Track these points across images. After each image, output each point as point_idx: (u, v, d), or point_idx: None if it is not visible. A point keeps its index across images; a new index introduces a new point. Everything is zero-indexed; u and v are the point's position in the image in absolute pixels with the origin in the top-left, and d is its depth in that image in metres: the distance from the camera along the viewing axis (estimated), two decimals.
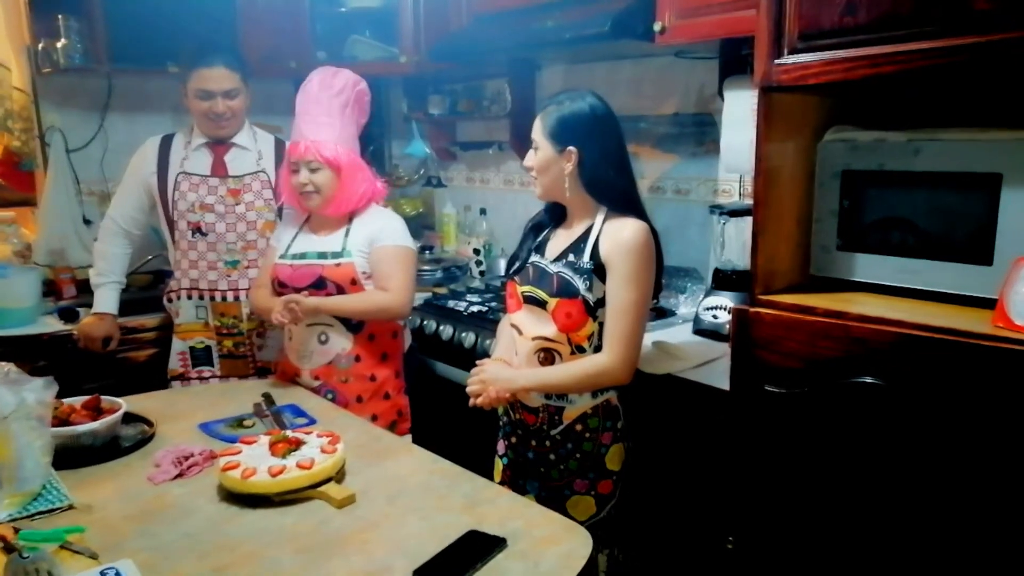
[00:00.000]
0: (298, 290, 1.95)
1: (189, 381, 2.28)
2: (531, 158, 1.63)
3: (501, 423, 1.78)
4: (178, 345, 2.29)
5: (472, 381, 1.65)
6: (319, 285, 1.95)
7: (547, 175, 1.61)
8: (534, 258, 1.67)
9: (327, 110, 1.95)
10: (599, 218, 1.60)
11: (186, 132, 2.29)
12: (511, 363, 1.68)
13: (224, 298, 2.24)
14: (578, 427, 1.61)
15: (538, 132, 1.61)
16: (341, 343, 1.97)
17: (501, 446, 1.78)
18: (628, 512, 1.68)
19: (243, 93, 2.21)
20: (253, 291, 2.14)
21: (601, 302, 1.56)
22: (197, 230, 2.21)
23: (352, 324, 1.98)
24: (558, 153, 1.58)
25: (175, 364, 2.29)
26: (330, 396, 1.97)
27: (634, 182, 1.63)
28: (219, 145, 2.25)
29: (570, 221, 1.66)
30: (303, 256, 1.99)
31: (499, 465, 1.78)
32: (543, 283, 1.60)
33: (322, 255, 1.98)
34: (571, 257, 1.59)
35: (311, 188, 1.93)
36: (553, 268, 1.60)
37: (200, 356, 2.27)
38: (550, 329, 1.58)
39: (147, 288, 2.76)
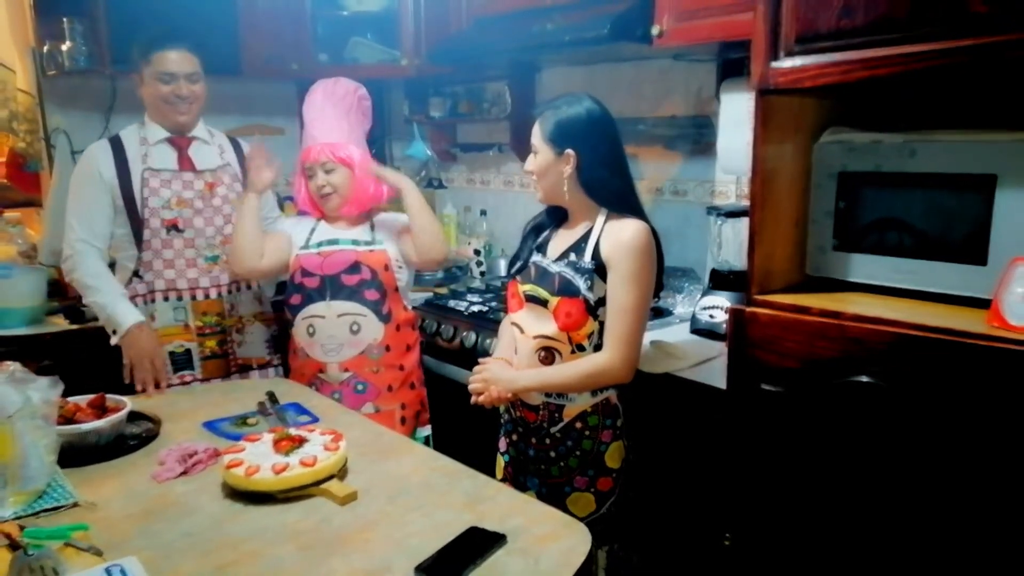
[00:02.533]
0: (327, 277, 1.98)
1: (169, 388, 2.06)
2: (531, 163, 1.65)
3: (502, 420, 1.79)
4: None
5: (474, 379, 1.68)
6: (354, 270, 1.98)
7: (547, 179, 1.63)
8: (535, 257, 1.69)
9: (334, 114, 2.02)
10: (600, 219, 1.61)
11: (136, 129, 2.14)
12: (512, 362, 1.70)
13: (207, 295, 2.14)
14: (578, 425, 1.63)
15: (537, 137, 1.63)
16: (373, 333, 1.99)
17: (503, 443, 1.80)
18: (627, 509, 1.69)
19: (203, 81, 2.10)
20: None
21: (601, 302, 1.58)
22: (173, 227, 2.08)
23: (383, 313, 2.00)
24: (557, 156, 1.60)
25: None
26: (361, 388, 1.98)
27: (632, 183, 1.65)
28: (180, 139, 2.14)
29: (572, 222, 1.68)
30: (334, 243, 2.02)
31: (500, 462, 1.80)
32: (544, 282, 1.62)
33: (356, 242, 2.02)
34: (572, 257, 1.61)
35: (329, 189, 1.99)
36: (555, 267, 1.62)
37: (180, 360, 2.13)
38: (551, 328, 1.60)
39: None
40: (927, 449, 1.22)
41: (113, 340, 2.00)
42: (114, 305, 1.99)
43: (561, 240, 1.67)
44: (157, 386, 1.97)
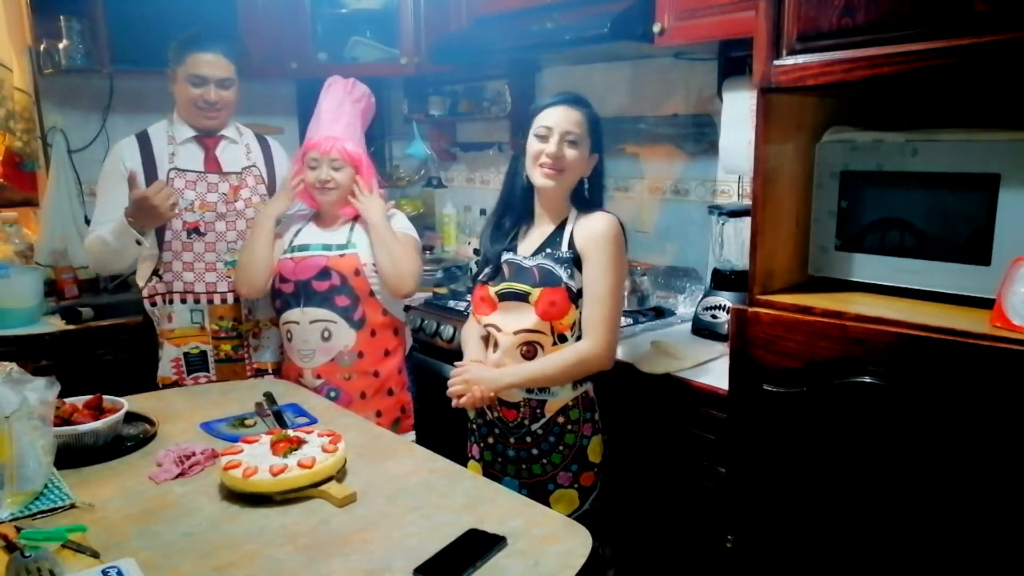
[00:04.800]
0: (300, 282, 1.97)
1: (180, 388, 2.11)
2: (572, 153, 1.57)
3: (472, 427, 1.77)
4: (171, 351, 2.13)
5: (454, 382, 1.65)
6: (323, 276, 1.97)
7: (573, 174, 1.62)
8: (507, 256, 1.68)
9: (352, 112, 2.03)
10: (571, 215, 1.65)
11: (165, 125, 2.12)
12: (485, 364, 1.69)
13: (224, 300, 2.13)
14: (560, 419, 1.63)
15: (581, 126, 1.58)
16: (344, 340, 1.98)
17: (475, 449, 1.77)
18: (628, 511, 1.68)
19: (236, 86, 2.10)
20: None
21: (581, 292, 1.60)
22: (195, 230, 2.07)
23: (355, 320, 1.99)
24: (590, 155, 1.63)
25: (167, 371, 2.13)
26: (333, 395, 1.98)
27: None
28: (208, 138, 2.12)
29: (540, 220, 1.69)
30: (305, 248, 2.01)
31: (475, 468, 1.76)
32: (523, 277, 1.62)
33: (327, 246, 2.00)
34: (549, 250, 1.63)
35: (332, 184, 1.98)
36: (530, 262, 1.63)
37: (195, 362, 2.14)
38: (532, 320, 1.59)
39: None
40: (929, 450, 1.22)
41: (146, 242, 1.98)
42: (117, 221, 1.95)
43: (532, 238, 1.69)
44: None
